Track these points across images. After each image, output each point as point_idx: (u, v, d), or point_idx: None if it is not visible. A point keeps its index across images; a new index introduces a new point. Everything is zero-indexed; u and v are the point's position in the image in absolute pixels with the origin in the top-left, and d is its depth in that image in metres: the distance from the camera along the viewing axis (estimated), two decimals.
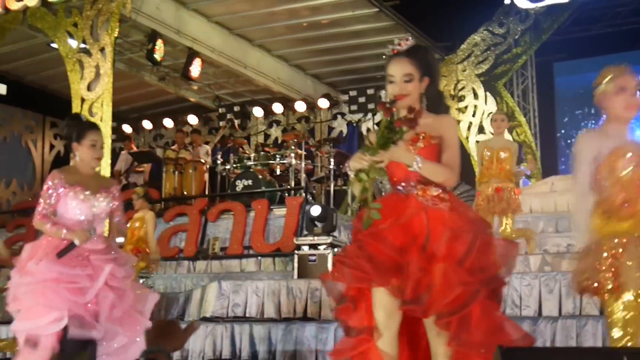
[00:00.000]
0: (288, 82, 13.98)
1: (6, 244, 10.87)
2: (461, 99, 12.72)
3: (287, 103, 14.23)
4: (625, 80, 3.44)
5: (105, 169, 8.84)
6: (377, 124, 11.71)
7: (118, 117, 13.45)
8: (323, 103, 13.93)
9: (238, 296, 7.49)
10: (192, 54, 11.88)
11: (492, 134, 8.58)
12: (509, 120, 12.56)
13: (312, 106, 14.34)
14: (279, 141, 14.60)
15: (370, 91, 14.51)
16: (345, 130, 14.82)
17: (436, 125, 3.30)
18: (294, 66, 14.02)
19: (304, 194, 10.29)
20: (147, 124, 15.56)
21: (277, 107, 14.29)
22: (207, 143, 13.61)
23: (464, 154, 8.32)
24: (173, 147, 13.04)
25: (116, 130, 13.93)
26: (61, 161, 13.51)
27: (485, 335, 3.01)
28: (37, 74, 13.72)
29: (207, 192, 12.06)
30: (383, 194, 4.00)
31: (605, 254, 3.33)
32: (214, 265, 9.98)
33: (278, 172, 11.51)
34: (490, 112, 11.51)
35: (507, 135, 9.76)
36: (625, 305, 3.28)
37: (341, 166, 11.33)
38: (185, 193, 12.06)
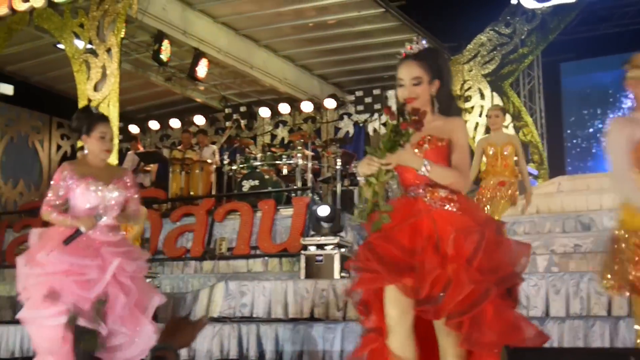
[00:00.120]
0: (294, 83, 13.98)
1: (13, 244, 10.93)
2: (467, 99, 12.72)
3: (294, 103, 14.22)
4: None
5: None
6: (384, 124, 11.73)
7: (124, 118, 13.46)
8: (329, 103, 13.92)
9: (245, 296, 7.48)
10: (198, 55, 11.89)
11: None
12: (517, 120, 12.59)
13: (318, 106, 14.31)
14: (286, 141, 14.63)
15: (376, 91, 14.50)
16: (351, 131, 14.81)
17: (445, 127, 3.30)
18: (300, 66, 14.02)
19: (310, 194, 10.28)
20: (153, 125, 15.58)
21: (284, 108, 14.27)
22: (213, 143, 13.61)
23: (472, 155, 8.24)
24: (179, 148, 13.06)
25: (123, 131, 13.96)
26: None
27: (498, 335, 3.00)
28: (43, 74, 13.75)
29: (213, 193, 12.07)
30: (390, 196, 3.99)
31: (631, 249, 3.28)
32: (221, 266, 9.97)
33: (285, 173, 11.51)
34: None
35: (505, 129, 9.41)
36: None
37: (347, 166, 11.34)
38: (192, 193, 12.05)
